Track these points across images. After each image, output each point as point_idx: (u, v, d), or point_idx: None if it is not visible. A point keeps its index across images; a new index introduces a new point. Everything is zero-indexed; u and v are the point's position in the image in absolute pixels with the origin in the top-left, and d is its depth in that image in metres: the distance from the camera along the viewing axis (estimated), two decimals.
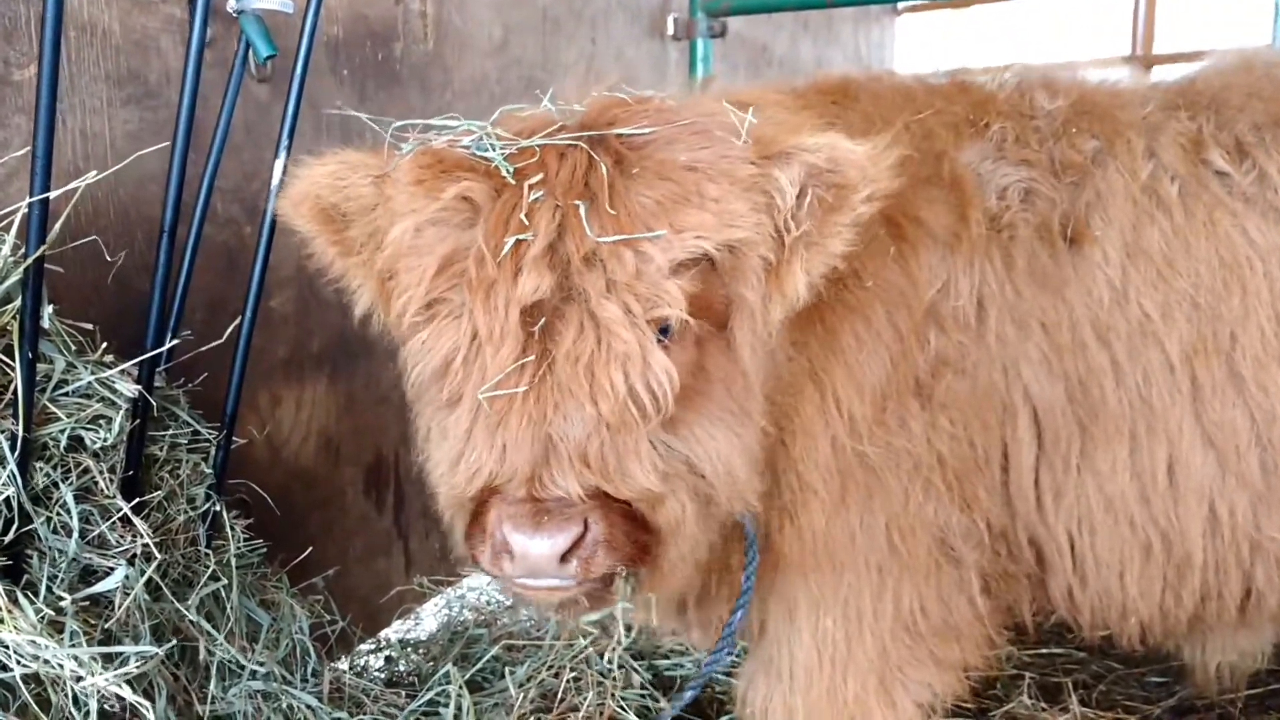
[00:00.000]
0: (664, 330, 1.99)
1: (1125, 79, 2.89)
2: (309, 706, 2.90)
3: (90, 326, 2.39)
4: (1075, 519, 2.58)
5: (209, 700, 2.67)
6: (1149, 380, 2.50)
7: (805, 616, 2.60)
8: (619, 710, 3.26)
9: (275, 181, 2.69)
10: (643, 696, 3.36)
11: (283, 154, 2.70)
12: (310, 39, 2.80)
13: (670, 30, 6.18)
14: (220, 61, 3.12)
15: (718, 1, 6.10)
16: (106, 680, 1.93)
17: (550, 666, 3.47)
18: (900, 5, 9.19)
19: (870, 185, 2.05)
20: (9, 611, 1.92)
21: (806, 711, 2.67)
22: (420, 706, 3.16)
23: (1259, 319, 2.49)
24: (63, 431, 2.19)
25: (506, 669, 3.48)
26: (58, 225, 2.12)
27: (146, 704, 1.98)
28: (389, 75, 4.07)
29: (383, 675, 3.54)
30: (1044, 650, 3.83)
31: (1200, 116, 2.66)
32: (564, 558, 1.91)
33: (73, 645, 1.97)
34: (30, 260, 2.04)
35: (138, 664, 2.08)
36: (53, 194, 2.03)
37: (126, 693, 1.94)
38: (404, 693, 3.26)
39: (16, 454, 2.05)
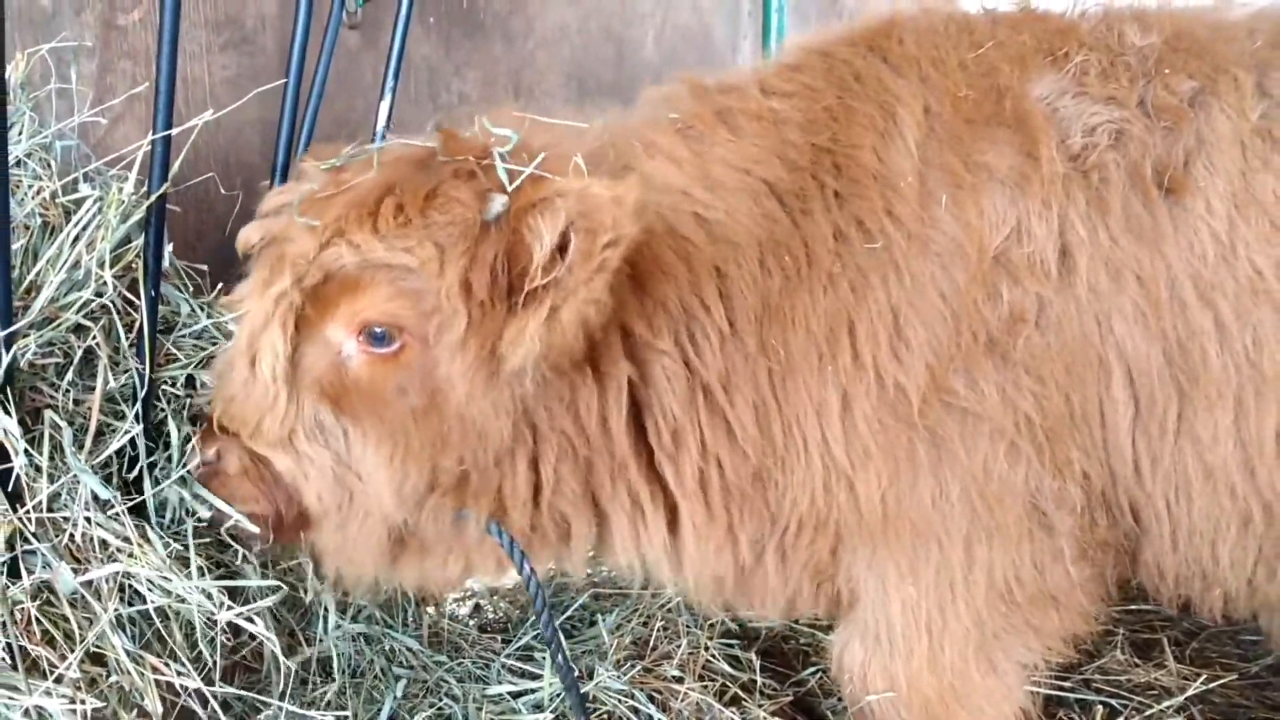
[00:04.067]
0: (377, 338, 2.19)
1: (1228, 8, 2.68)
2: (409, 649, 2.94)
3: (204, 268, 2.40)
4: (1173, 485, 2.45)
5: (316, 641, 2.71)
6: (1260, 343, 2.34)
7: (894, 585, 2.57)
8: (711, 659, 3.27)
9: (381, 124, 2.68)
10: (730, 646, 3.36)
11: (388, 95, 2.70)
12: None
13: None
14: (315, 8, 3.12)
15: None
16: (235, 613, 1.96)
17: (639, 615, 3.48)
18: None
19: (613, 231, 2.03)
20: (140, 546, 1.95)
21: (908, 678, 2.65)
22: (516, 650, 3.19)
23: None
24: (182, 369, 2.22)
25: (596, 616, 3.49)
26: (177, 163, 2.13)
27: (272, 637, 2.02)
28: (473, 24, 4.05)
29: (474, 622, 3.57)
30: (1134, 607, 3.74)
31: None
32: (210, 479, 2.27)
33: (199, 579, 2.00)
34: (154, 197, 2.05)
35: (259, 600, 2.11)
36: (174, 130, 2.03)
37: (259, 627, 1.97)
38: (499, 638, 3.29)
39: (143, 393, 2.07)
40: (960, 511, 2.43)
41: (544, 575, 2.66)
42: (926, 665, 2.61)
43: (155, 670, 2.03)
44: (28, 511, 1.89)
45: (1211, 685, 3.20)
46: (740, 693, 3.14)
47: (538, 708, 2.92)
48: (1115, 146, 2.40)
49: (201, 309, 2.39)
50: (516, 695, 3.00)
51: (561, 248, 2.06)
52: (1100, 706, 3.12)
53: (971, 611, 2.54)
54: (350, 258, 2.13)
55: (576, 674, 2.96)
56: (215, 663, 2.11)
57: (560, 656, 2.49)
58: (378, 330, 2.19)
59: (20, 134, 2.13)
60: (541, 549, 2.53)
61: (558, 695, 2.86)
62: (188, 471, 2.21)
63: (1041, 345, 2.36)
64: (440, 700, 2.93)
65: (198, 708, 2.12)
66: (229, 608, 2.00)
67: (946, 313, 2.35)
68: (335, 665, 2.79)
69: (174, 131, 2.05)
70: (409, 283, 2.16)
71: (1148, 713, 3.13)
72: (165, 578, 1.95)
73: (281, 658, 2.06)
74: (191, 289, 2.42)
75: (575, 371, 2.27)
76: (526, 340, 2.09)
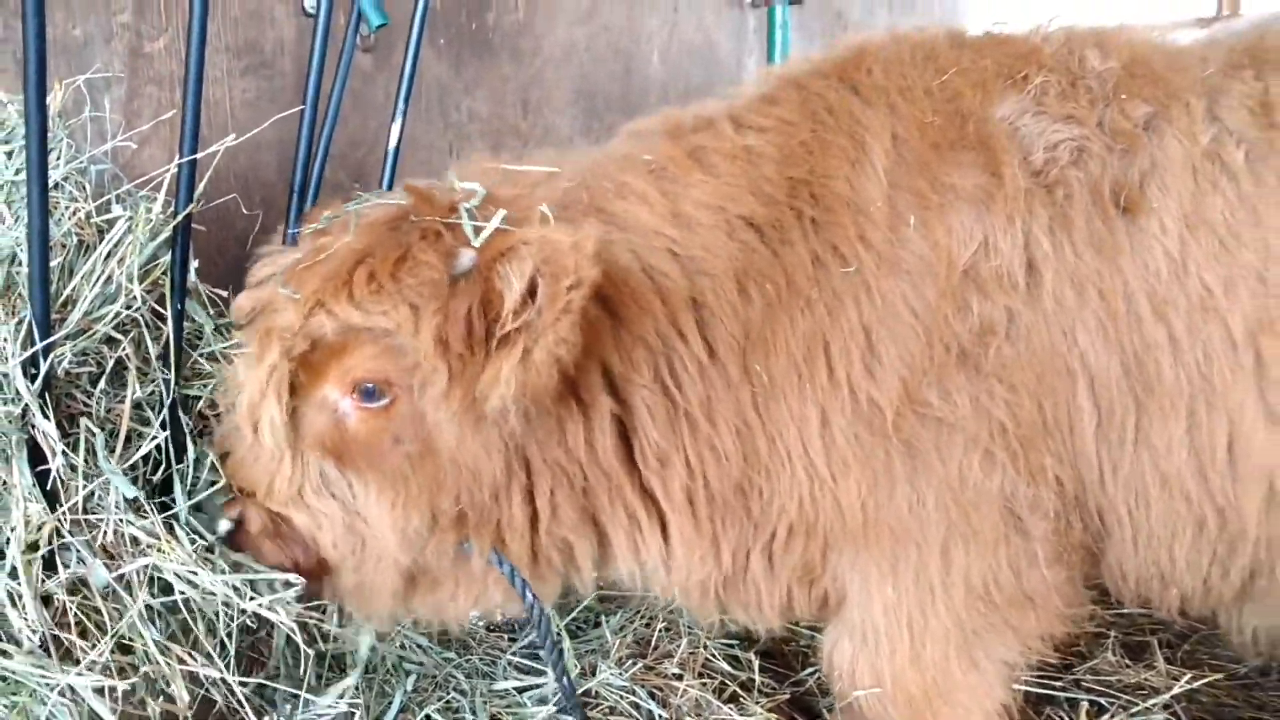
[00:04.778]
0: (369, 393, 2.32)
1: (1185, 37, 2.77)
2: (420, 646, 3.07)
3: (225, 292, 2.54)
4: (1133, 491, 2.54)
5: (329, 639, 2.84)
6: (1209, 356, 2.43)
7: (876, 587, 2.66)
8: (711, 658, 3.38)
9: (392, 144, 2.81)
10: (730, 646, 3.46)
11: (399, 117, 2.83)
12: (425, 7, 2.92)
13: None
14: (331, 32, 3.25)
15: None
16: (259, 604, 2.11)
17: (642, 616, 3.59)
18: None
19: (573, 275, 2.14)
20: (167, 543, 2.09)
21: (893, 675, 2.74)
22: (521, 649, 3.31)
23: None
24: (205, 386, 2.37)
25: (601, 617, 3.61)
26: (202, 184, 2.27)
27: (294, 625, 2.16)
28: (483, 43, 4.19)
29: (481, 622, 3.69)
30: (1126, 610, 3.77)
31: (1268, 76, 2.54)
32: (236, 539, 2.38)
33: (223, 574, 2.14)
34: (180, 217, 2.19)
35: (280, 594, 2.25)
36: (200, 155, 2.17)
37: (282, 616, 2.11)
38: (505, 637, 3.41)
39: (169, 401, 2.22)
40: (936, 517, 2.53)
41: (554, 599, 2.78)
42: (909, 662, 2.71)
43: (180, 660, 2.17)
44: (64, 512, 2.04)
45: (1197, 685, 3.26)
46: (739, 691, 3.24)
47: (542, 702, 3.04)
48: (1076, 164, 2.49)
49: (222, 330, 2.52)
50: (521, 690, 3.13)
51: (531, 292, 2.18)
52: (1087, 704, 3.20)
53: (951, 612, 2.63)
54: (331, 325, 2.26)
55: (577, 691, 3.08)
56: (234, 653, 2.24)
57: (564, 680, 2.62)
58: (368, 386, 2.32)
59: (58, 159, 2.28)
60: (548, 573, 2.64)
61: (556, 693, 2.98)
62: (217, 538, 2.35)
63: (1012, 355, 2.45)
64: (449, 694, 3.06)
65: (219, 697, 2.25)
66: (253, 598, 2.14)
67: (918, 328, 2.45)
68: (350, 660, 2.92)
69: (199, 155, 2.18)
70: (391, 341, 2.29)
71: (1134, 710, 3.20)
72: (192, 572, 2.08)
73: (303, 646, 2.18)
74: (214, 311, 2.55)
75: (561, 407, 2.39)
76: (502, 381, 2.20)
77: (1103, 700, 3.27)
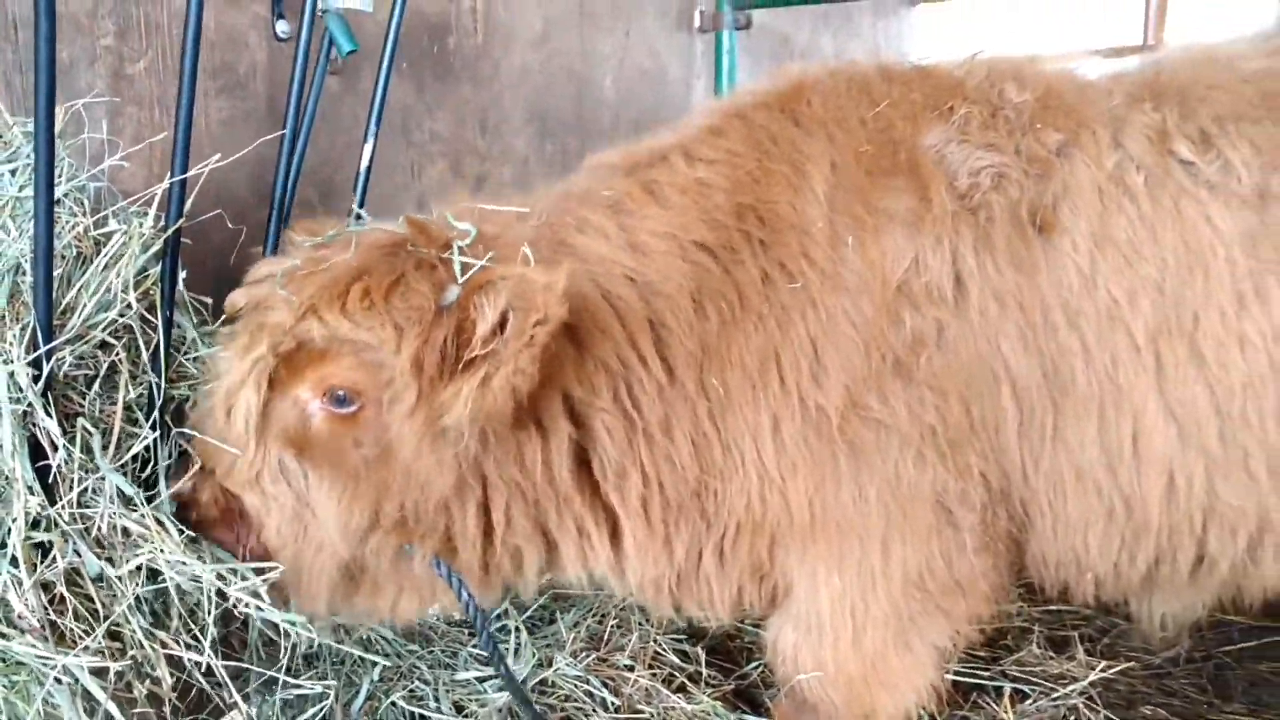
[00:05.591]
0: (340, 400, 2.46)
1: (1094, 70, 2.96)
2: (385, 639, 3.22)
3: (209, 300, 2.69)
4: (1052, 484, 2.72)
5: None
6: (1116, 361, 2.62)
7: (823, 579, 2.81)
8: (660, 651, 3.55)
9: (364, 164, 2.98)
10: (679, 640, 3.63)
11: (370, 140, 2.99)
12: (396, 36, 3.08)
13: (697, 23, 6.43)
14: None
15: None
16: (243, 587, 2.27)
17: (594, 613, 3.74)
18: None
19: (541, 311, 2.30)
20: (157, 534, 2.25)
21: (834, 660, 2.90)
22: (482, 642, 3.45)
23: (1220, 301, 2.59)
24: (191, 387, 2.52)
25: (556, 614, 3.77)
26: (190, 200, 2.43)
27: (275, 610, 2.32)
28: (444, 67, 4.36)
29: (440, 618, 3.84)
30: (1052, 607, 4.04)
31: (1164, 108, 2.73)
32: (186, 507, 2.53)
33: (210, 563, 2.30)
34: (170, 231, 2.35)
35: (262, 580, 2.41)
36: (190, 173, 2.34)
37: (265, 601, 2.27)
38: (466, 631, 3.57)
39: (159, 403, 2.37)
40: (877, 512, 2.69)
41: (496, 603, 2.93)
42: (850, 648, 2.87)
43: (164, 645, 2.32)
44: (63, 505, 2.19)
45: (1113, 673, 3.46)
46: (687, 682, 3.40)
47: (502, 689, 3.20)
48: (997, 188, 2.68)
49: (204, 338, 2.68)
50: (482, 680, 3.28)
51: (502, 324, 2.34)
52: (1011, 690, 3.40)
53: (890, 599, 2.80)
54: (320, 331, 2.40)
55: (523, 682, 3.23)
56: (217, 639, 2.39)
57: (505, 672, 2.77)
58: (340, 393, 2.47)
59: (60, 177, 2.43)
60: (495, 579, 2.79)
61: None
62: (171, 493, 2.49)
63: (942, 363, 2.63)
64: (413, 684, 3.21)
65: (203, 682, 2.40)
66: (239, 581, 2.30)
67: (858, 339, 2.61)
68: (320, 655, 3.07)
69: (189, 174, 2.34)
70: (370, 356, 2.43)
71: (1054, 695, 3.40)
72: (182, 562, 2.24)
73: (285, 628, 2.33)
74: (197, 320, 2.70)
75: (520, 431, 2.54)
76: (460, 401, 2.35)
77: (1026, 688, 3.47)
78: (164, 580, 2.25)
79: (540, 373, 2.37)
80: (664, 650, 3.55)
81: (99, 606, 2.23)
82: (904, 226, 2.64)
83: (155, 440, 2.40)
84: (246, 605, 2.31)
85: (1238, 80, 2.78)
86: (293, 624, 2.33)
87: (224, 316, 2.57)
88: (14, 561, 2.11)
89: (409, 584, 2.74)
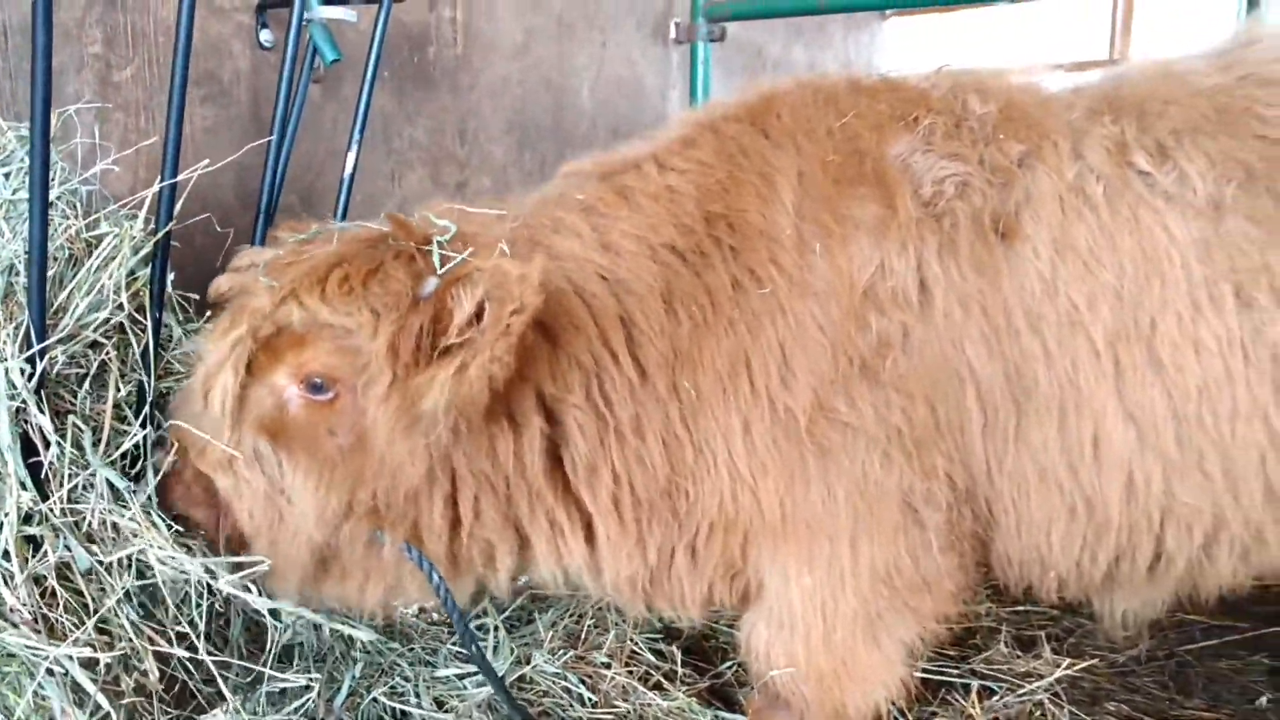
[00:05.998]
0: (316, 387, 2.52)
1: (1056, 84, 3.03)
2: (367, 639, 3.26)
3: (195, 296, 2.75)
4: (1016, 484, 2.77)
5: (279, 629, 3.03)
6: (1076, 365, 2.68)
7: (794, 576, 2.86)
8: (637, 649, 3.61)
9: (347, 171, 3.04)
10: (655, 640, 3.69)
11: (354, 147, 3.06)
12: (380, 46, 3.15)
13: (673, 35, 6.52)
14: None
15: (718, 6, 6.41)
16: (232, 578, 2.32)
17: (572, 613, 3.79)
18: (888, 11, 9.53)
19: (517, 301, 2.37)
20: (147, 530, 2.30)
21: (805, 656, 2.96)
22: (455, 620, 3.50)
23: (1176, 307, 2.66)
24: (177, 380, 2.58)
25: (534, 614, 3.82)
26: (178, 205, 2.49)
27: (263, 600, 2.38)
28: (424, 77, 4.42)
29: (419, 616, 3.88)
30: (1020, 608, 4.11)
31: (1123, 121, 2.80)
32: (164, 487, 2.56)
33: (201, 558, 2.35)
34: (160, 235, 2.40)
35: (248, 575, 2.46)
36: (180, 178, 2.39)
37: (252, 594, 2.33)
38: (445, 630, 3.62)
39: (149, 400, 2.43)
40: (846, 511, 2.75)
41: (468, 598, 2.99)
42: (821, 644, 2.93)
43: (151, 640, 2.37)
44: (55, 500, 2.24)
45: (1077, 670, 3.55)
46: (663, 680, 3.45)
47: (481, 685, 3.25)
48: (961, 196, 2.75)
49: (187, 335, 2.73)
50: (461, 677, 3.33)
51: (478, 314, 2.40)
52: (978, 687, 3.47)
53: (859, 596, 2.86)
54: (299, 315, 2.47)
55: (500, 675, 3.25)
56: (204, 633, 2.44)
57: (479, 658, 2.81)
58: (317, 380, 2.52)
59: (54, 181, 2.47)
60: (466, 573, 2.84)
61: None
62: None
63: (907, 366, 2.69)
64: (394, 680, 3.26)
65: (191, 676, 2.46)
66: (228, 573, 2.35)
67: (826, 343, 2.68)
68: (299, 651, 3.11)
69: (179, 179, 2.39)
70: (347, 341, 2.49)
71: (1020, 692, 3.47)
72: (171, 556, 2.29)
73: (270, 619, 2.38)
74: (182, 317, 2.76)
75: (493, 425, 2.59)
76: (436, 387, 2.41)
77: (993, 685, 3.54)
78: (153, 575, 2.30)
79: (515, 364, 2.42)
80: (640, 649, 3.60)
81: (89, 600, 2.27)
82: (870, 233, 2.71)
83: (145, 437, 2.45)
84: (234, 597, 2.34)
85: (1193, 95, 2.86)
86: (277, 614, 2.36)
87: (209, 307, 2.62)
88: (6, 555, 2.16)
89: (377, 571, 2.77)
